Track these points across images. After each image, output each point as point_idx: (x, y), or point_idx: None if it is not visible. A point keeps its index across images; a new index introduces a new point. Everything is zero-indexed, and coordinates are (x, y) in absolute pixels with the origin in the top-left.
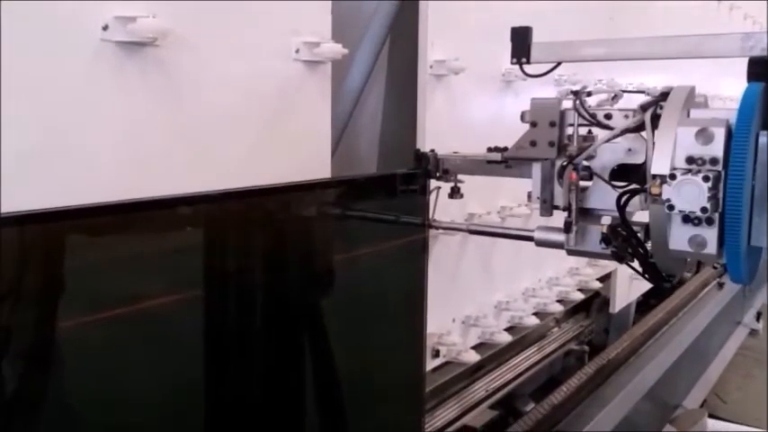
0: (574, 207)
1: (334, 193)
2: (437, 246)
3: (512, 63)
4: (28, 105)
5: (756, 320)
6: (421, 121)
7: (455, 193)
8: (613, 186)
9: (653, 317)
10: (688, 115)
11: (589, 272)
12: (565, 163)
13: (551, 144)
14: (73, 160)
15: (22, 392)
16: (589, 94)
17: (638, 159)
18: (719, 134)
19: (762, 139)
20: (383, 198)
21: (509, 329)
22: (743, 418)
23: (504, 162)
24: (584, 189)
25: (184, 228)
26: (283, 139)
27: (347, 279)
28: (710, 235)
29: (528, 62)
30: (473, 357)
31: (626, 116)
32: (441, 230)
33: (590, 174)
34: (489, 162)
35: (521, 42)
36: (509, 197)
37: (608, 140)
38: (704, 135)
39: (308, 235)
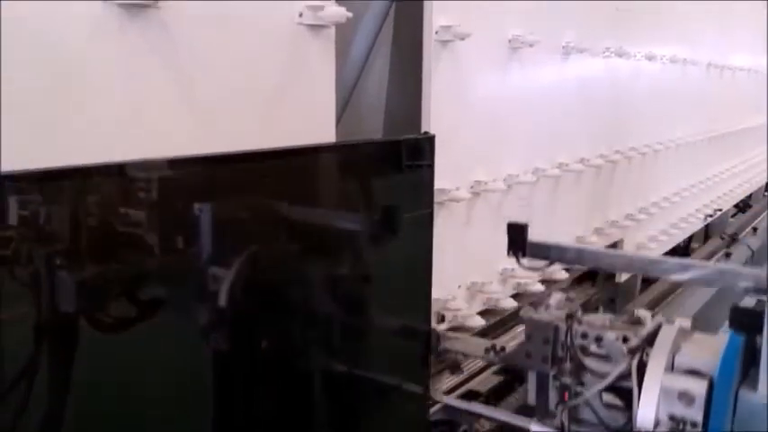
0: (566, 424)
1: (339, 158)
2: (443, 212)
3: (508, 256)
4: None
5: None
6: (426, 88)
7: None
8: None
9: (659, 286)
10: (673, 361)
11: (595, 239)
12: (558, 385)
13: (545, 360)
14: None
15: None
16: (583, 334)
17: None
18: (700, 397)
19: (741, 396)
20: (389, 164)
21: (515, 297)
22: None
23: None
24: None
25: (186, 191)
26: (286, 106)
27: (351, 244)
28: None
29: (524, 256)
30: (478, 322)
31: (617, 338)
32: (446, 198)
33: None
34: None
35: (517, 238)
36: (515, 166)
37: (598, 390)
38: (686, 397)
39: (312, 200)
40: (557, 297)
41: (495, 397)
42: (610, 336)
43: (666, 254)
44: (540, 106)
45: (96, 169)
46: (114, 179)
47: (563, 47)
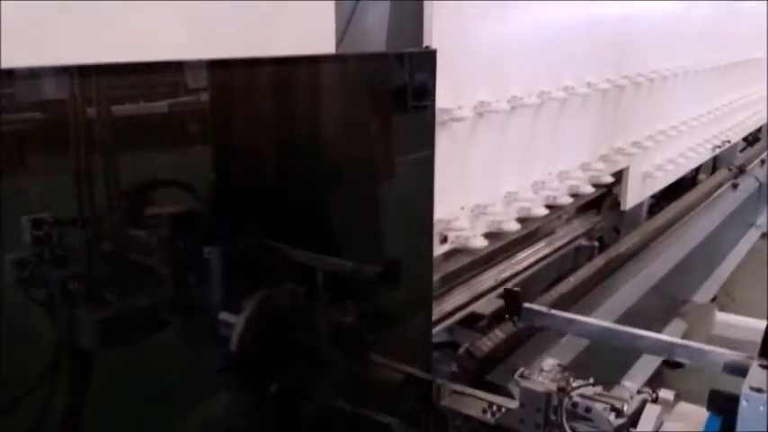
0: None
1: (336, 71)
2: (445, 132)
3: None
4: None
5: None
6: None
7: None
8: None
9: (665, 214)
10: None
11: (601, 167)
12: None
13: (537, 426)
14: None
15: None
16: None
17: None
18: None
19: None
20: (389, 78)
21: (519, 222)
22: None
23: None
24: None
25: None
26: (283, 29)
27: (350, 160)
28: None
29: (519, 320)
30: (481, 243)
31: (608, 409)
32: (448, 117)
33: None
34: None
35: (512, 303)
36: (519, 88)
37: None
38: None
39: (308, 114)
40: (549, 362)
41: (496, 320)
42: (597, 407)
43: (673, 185)
44: (546, 28)
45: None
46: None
47: None
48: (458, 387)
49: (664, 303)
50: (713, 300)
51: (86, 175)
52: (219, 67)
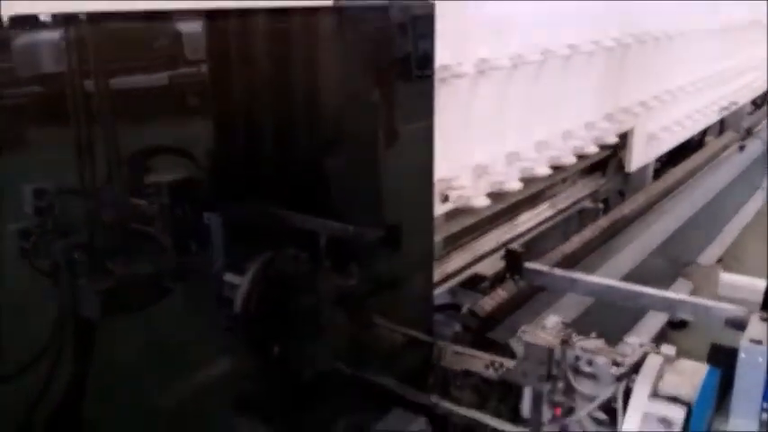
0: None
1: (334, 22)
2: (445, 89)
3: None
4: None
5: None
6: None
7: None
8: None
9: (671, 176)
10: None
11: (606, 126)
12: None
13: (540, 378)
14: None
15: None
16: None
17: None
18: (678, 423)
19: (715, 425)
20: (389, 31)
21: (522, 182)
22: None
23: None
24: None
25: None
26: None
27: (350, 116)
28: None
29: (521, 278)
30: (483, 202)
31: (610, 362)
32: (449, 74)
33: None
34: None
35: (514, 262)
36: (522, 45)
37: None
38: (665, 422)
39: (305, 67)
40: (553, 320)
41: (499, 280)
42: (600, 360)
43: (679, 150)
44: None
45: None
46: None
47: None
48: (459, 348)
49: (668, 264)
50: (718, 261)
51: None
52: (213, 17)
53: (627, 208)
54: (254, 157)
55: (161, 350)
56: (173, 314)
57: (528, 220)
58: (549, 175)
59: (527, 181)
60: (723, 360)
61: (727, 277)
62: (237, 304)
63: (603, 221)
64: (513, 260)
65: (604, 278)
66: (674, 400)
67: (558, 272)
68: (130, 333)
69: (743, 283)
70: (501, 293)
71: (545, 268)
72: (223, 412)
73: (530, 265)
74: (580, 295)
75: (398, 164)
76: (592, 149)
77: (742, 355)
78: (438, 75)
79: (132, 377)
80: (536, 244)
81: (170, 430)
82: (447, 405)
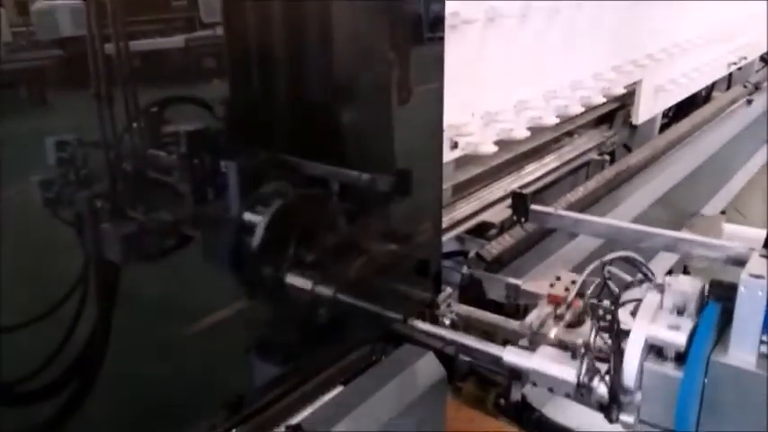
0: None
1: None
2: (455, 36)
3: (513, 220)
4: None
5: None
6: None
7: None
8: None
9: (677, 129)
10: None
11: (613, 76)
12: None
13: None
14: None
15: None
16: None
17: None
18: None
19: (712, 361)
20: None
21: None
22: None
23: None
24: None
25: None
26: None
27: (363, 70)
28: None
29: (527, 221)
30: (491, 149)
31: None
32: (459, 20)
33: None
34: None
35: (520, 205)
36: None
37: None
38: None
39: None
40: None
41: (507, 227)
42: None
43: (686, 106)
44: None
45: None
46: None
47: None
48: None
49: (673, 215)
50: (722, 213)
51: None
52: None
53: (633, 159)
54: (270, 107)
55: (182, 290)
56: (194, 255)
57: (535, 171)
58: (557, 127)
59: (534, 132)
60: (723, 295)
61: (730, 228)
62: (254, 244)
63: (609, 172)
64: (520, 202)
65: (610, 219)
66: (675, 328)
67: (565, 213)
68: (151, 276)
69: (745, 234)
70: (508, 238)
71: (551, 210)
72: (239, 348)
73: (536, 207)
74: (587, 236)
75: (409, 117)
76: (599, 100)
77: (742, 288)
78: (448, 22)
79: (154, 316)
80: (542, 196)
81: (191, 366)
82: (456, 336)
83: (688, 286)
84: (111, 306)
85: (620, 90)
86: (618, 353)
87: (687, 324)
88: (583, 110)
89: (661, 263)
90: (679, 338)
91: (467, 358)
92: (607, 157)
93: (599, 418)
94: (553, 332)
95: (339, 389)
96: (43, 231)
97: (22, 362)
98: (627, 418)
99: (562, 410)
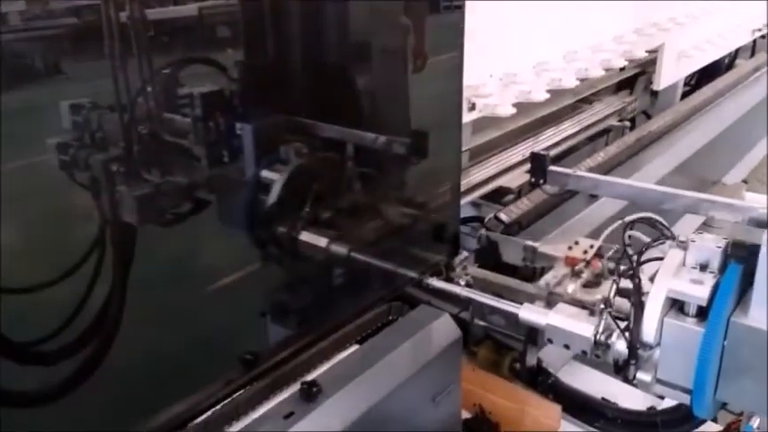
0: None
1: None
2: None
3: (530, 184)
4: None
5: None
6: None
7: None
8: None
9: (700, 95)
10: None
11: (635, 39)
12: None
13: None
14: None
15: None
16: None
17: None
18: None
19: (732, 321)
20: None
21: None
22: None
23: None
24: None
25: None
26: None
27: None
28: None
29: (545, 183)
30: (509, 110)
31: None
32: None
33: None
34: None
35: (538, 166)
36: None
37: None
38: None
39: None
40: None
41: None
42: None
43: (709, 66)
44: None
45: None
46: None
47: None
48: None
49: (693, 183)
50: (743, 182)
51: None
52: None
53: (654, 125)
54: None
55: (197, 249)
56: (210, 217)
57: (554, 136)
58: (577, 91)
59: (554, 96)
60: (745, 256)
61: (751, 197)
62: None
63: (629, 137)
64: (538, 163)
65: (629, 180)
66: (698, 282)
67: (584, 173)
68: (165, 237)
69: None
70: (527, 202)
71: (570, 171)
72: (255, 306)
73: (554, 168)
74: (606, 202)
75: (428, 82)
76: (619, 63)
77: (764, 249)
78: None
79: (173, 275)
80: (561, 164)
81: (209, 324)
82: (471, 293)
83: (712, 243)
84: (128, 266)
85: (641, 53)
86: (638, 305)
87: (710, 279)
88: (603, 73)
89: (682, 229)
90: (701, 292)
91: (482, 323)
92: (627, 124)
93: (612, 384)
94: (571, 288)
95: (355, 347)
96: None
97: (56, 318)
98: (644, 376)
99: (578, 378)
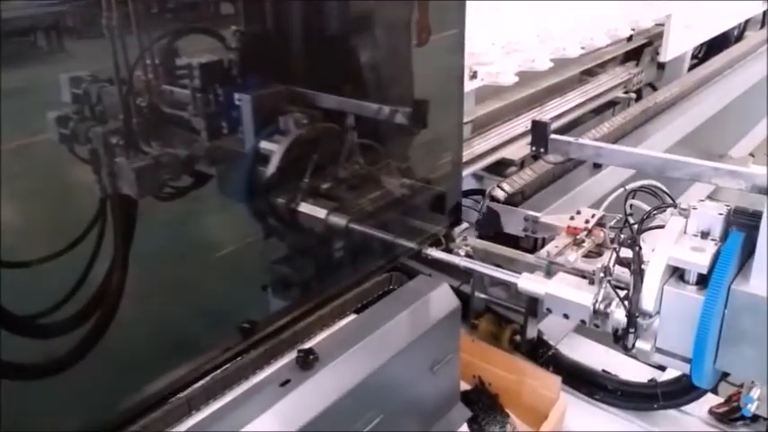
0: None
1: None
2: None
3: (531, 153)
4: None
5: None
6: None
7: None
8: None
9: (707, 67)
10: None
11: (642, 8)
12: None
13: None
14: None
15: None
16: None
17: None
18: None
19: (733, 289)
20: None
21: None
22: None
23: None
24: None
25: None
26: None
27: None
28: None
29: (546, 152)
30: (512, 79)
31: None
32: None
33: None
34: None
35: (540, 135)
36: None
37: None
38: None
39: None
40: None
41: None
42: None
43: (717, 38)
44: None
45: None
46: None
47: None
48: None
49: (699, 155)
50: (750, 155)
51: None
52: None
53: (660, 96)
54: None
55: (198, 219)
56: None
57: (558, 107)
58: (581, 62)
59: (559, 67)
60: (747, 223)
61: (757, 169)
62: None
63: (635, 108)
64: (539, 131)
65: (631, 147)
66: (698, 250)
67: (585, 141)
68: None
69: None
70: (529, 173)
71: (571, 139)
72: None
73: (556, 136)
74: (608, 173)
75: (430, 54)
76: (626, 32)
77: (765, 215)
78: None
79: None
80: (566, 133)
81: (206, 293)
82: (470, 263)
83: (713, 210)
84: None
85: (648, 23)
86: (638, 273)
87: (711, 247)
88: (609, 41)
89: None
90: (702, 259)
91: (483, 296)
92: (633, 95)
93: (613, 356)
94: (572, 256)
95: (353, 317)
96: None
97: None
98: (643, 345)
99: (578, 350)
